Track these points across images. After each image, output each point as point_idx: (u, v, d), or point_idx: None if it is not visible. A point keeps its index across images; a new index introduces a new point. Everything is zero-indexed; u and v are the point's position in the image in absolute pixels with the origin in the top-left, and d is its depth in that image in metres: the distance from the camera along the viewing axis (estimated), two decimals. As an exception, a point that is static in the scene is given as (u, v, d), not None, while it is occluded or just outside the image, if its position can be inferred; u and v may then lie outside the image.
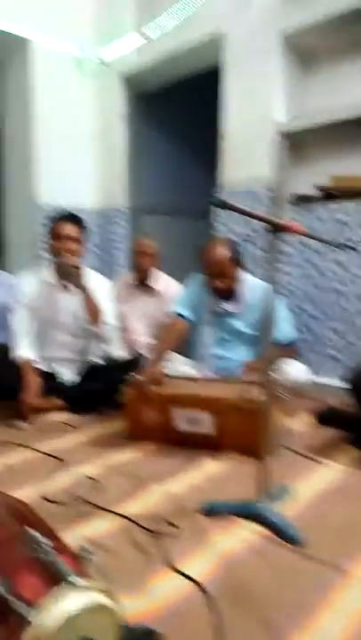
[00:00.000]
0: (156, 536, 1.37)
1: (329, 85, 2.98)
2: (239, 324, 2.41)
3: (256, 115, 2.99)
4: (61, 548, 0.90)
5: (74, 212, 2.62)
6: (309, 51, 2.98)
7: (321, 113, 2.79)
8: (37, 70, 3.63)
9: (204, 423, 1.97)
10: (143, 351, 2.89)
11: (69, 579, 0.78)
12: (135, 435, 2.12)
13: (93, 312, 2.52)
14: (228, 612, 1.08)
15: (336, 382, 2.77)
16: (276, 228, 1.34)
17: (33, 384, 2.43)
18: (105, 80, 3.89)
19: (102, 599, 0.80)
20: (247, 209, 1.31)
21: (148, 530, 1.40)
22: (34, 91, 3.64)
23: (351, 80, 2.87)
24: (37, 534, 0.84)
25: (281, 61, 2.91)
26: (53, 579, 0.79)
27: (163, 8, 3.41)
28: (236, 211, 1.30)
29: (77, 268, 2.44)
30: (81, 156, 3.97)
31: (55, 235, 2.51)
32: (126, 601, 1.08)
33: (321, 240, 1.72)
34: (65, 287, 2.52)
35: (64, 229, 2.49)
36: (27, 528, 0.86)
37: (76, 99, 3.88)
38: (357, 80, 2.84)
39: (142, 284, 3.07)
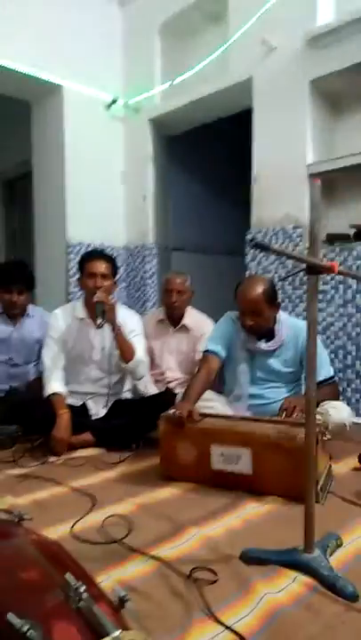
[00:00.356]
0: (194, 582, 1.28)
1: (358, 128, 3.00)
2: (275, 363, 2.35)
3: (286, 156, 3.03)
4: (98, 594, 0.83)
5: (103, 250, 2.65)
6: (337, 95, 3.04)
7: (350, 155, 2.81)
8: (68, 114, 3.77)
9: (243, 461, 1.88)
10: (174, 387, 2.83)
11: (109, 631, 0.71)
12: (169, 473, 2.04)
13: (124, 348, 2.51)
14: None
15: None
16: (315, 269, 1.30)
17: (64, 419, 2.40)
18: (134, 123, 4.03)
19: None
20: (288, 252, 1.29)
21: (186, 575, 1.31)
22: (65, 134, 3.78)
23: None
24: (74, 580, 0.78)
25: (309, 105, 2.97)
26: (92, 630, 0.73)
27: (190, 54, 3.54)
28: (277, 254, 1.27)
29: (109, 304, 2.44)
30: (111, 195, 4.07)
31: (87, 272, 2.54)
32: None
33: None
34: (96, 323, 2.51)
35: (95, 267, 2.52)
36: (67, 574, 0.80)
37: (105, 141, 4.01)
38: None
39: (173, 320, 3.04)
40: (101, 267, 2.52)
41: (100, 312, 2.43)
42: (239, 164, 3.42)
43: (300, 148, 2.97)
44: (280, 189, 3.06)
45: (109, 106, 3.96)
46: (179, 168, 4.22)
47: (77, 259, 2.71)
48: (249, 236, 3.19)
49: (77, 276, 2.67)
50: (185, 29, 3.70)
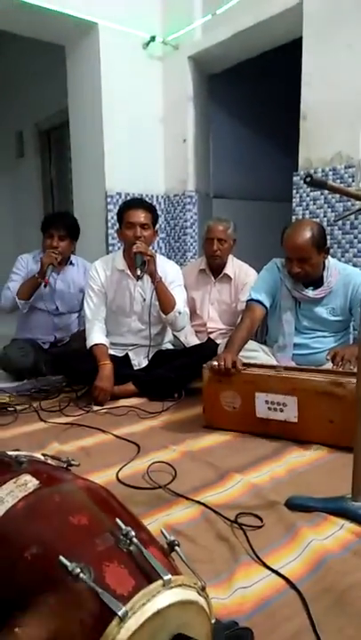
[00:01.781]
0: (239, 527, 1.29)
1: None
2: (322, 311, 2.26)
3: (340, 89, 2.79)
4: (148, 538, 0.83)
5: (142, 199, 2.57)
6: None
7: None
8: (105, 56, 3.59)
9: (288, 408, 1.85)
10: (215, 338, 2.81)
11: (161, 575, 0.71)
12: (212, 422, 2.04)
13: (165, 300, 2.48)
14: (325, 614, 0.99)
15: None
16: None
17: (106, 369, 2.42)
18: (172, 62, 3.81)
19: (193, 595, 0.74)
20: (346, 188, 1.19)
21: (230, 520, 1.32)
22: (101, 77, 3.61)
23: None
24: (124, 524, 0.78)
25: (368, 30, 2.69)
26: (143, 573, 0.73)
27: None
28: (334, 190, 1.18)
29: (149, 255, 2.39)
30: (149, 140, 3.92)
31: (126, 222, 2.47)
32: (214, 592, 1.01)
33: None
34: (136, 274, 2.47)
35: (134, 216, 2.45)
36: (116, 518, 0.80)
37: (143, 83, 3.82)
38: None
39: (214, 269, 2.97)
40: (141, 216, 2.46)
41: (139, 263, 2.39)
42: (286, 102, 3.19)
43: (356, 80, 2.71)
44: (331, 126, 2.85)
45: (147, 44, 3.75)
46: (220, 109, 4.01)
47: (116, 209, 2.64)
48: (297, 178, 3.03)
49: (117, 227, 2.61)
50: None
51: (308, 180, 1.07)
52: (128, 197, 3.72)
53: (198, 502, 1.42)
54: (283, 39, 3.23)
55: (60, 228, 2.80)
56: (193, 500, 1.43)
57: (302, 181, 1.14)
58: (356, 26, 2.69)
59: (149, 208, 2.53)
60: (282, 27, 3.10)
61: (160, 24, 3.80)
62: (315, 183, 1.08)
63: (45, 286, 2.76)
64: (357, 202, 1.26)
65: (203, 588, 0.75)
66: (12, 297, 2.77)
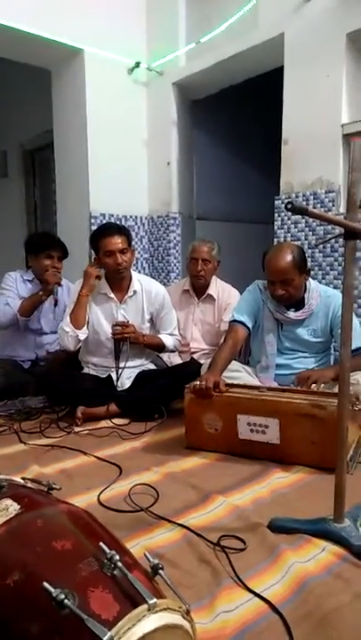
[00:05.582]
0: (222, 550, 1.28)
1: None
2: (303, 332, 2.30)
3: (319, 117, 2.88)
4: (132, 562, 0.83)
5: (114, 223, 2.60)
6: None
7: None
8: (90, 80, 3.66)
9: (270, 430, 1.86)
10: (199, 358, 2.82)
11: (145, 598, 0.71)
12: (195, 443, 2.04)
13: (155, 347, 2.66)
14: (305, 637, 0.98)
15: None
16: (354, 234, 1.24)
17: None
18: (157, 87, 3.89)
19: (179, 619, 0.74)
20: (326, 215, 1.24)
21: (213, 543, 1.31)
22: (87, 100, 3.67)
23: None
24: (108, 548, 0.78)
25: (345, 61, 2.79)
26: (128, 597, 0.73)
27: (216, 12, 3.37)
28: (315, 217, 1.22)
29: (130, 335, 2.52)
30: (133, 163, 3.98)
31: (103, 250, 2.47)
32: (195, 617, 1.00)
33: None
34: (117, 298, 2.54)
35: (112, 244, 2.45)
36: (100, 542, 0.80)
37: (128, 107, 3.90)
38: None
39: (198, 290, 3.00)
40: (118, 242, 2.46)
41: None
42: (268, 127, 3.27)
43: (335, 108, 2.82)
44: (312, 152, 2.93)
45: (132, 70, 3.83)
46: (204, 133, 4.10)
47: (92, 233, 2.63)
48: (278, 202, 3.10)
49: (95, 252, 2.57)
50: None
51: (290, 206, 1.10)
52: (112, 218, 3.75)
53: (180, 525, 1.41)
54: (265, 67, 3.33)
55: (58, 249, 2.87)
56: (175, 523, 1.42)
57: (284, 207, 1.17)
58: (335, 57, 2.80)
59: (123, 231, 2.53)
60: (264, 56, 3.20)
61: (145, 50, 3.88)
62: (296, 210, 1.11)
63: (56, 304, 2.91)
64: (338, 227, 1.29)
65: (187, 612, 0.75)
66: (12, 313, 2.76)
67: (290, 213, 3.06)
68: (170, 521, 1.44)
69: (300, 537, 1.34)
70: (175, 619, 0.71)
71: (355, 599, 1.11)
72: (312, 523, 1.37)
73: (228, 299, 2.93)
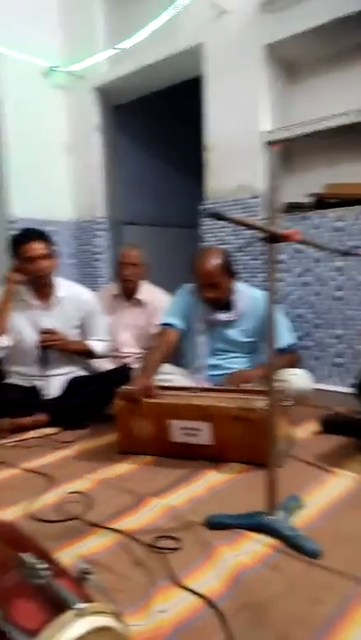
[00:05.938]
0: (158, 551, 1.26)
1: (314, 95, 2.98)
2: (233, 333, 2.34)
3: (240, 125, 2.96)
4: (58, 570, 0.80)
5: (34, 228, 2.52)
6: (293, 60, 2.97)
7: (306, 123, 2.77)
8: (6, 84, 3.55)
9: (202, 434, 1.87)
10: (131, 362, 2.79)
11: (70, 604, 0.68)
12: (127, 448, 2.01)
13: (80, 354, 2.59)
14: (242, 629, 0.99)
15: (340, 389, 2.70)
16: (275, 238, 1.28)
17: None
18: (77, 92, 3.84)
19: (109, 621, 0.71)
20: (246, 219, 1.26)
21: (148, 545, 1.29)
22: (3, 104, 3.56)
23: (335, 89, 2.86)
24: (31, 558, 0.74)
25: (263, 72, 2.88)
26: (53, 605, 0.70)
27: (135, 18, 3.39)
28: (234, 222, 1.24)
29: (57, 342, 2.45)
30: (56, 167, 3.90)
31: (24, 257, 2.39)
32: (131, 621, 0.97)
33: (324, 248, 1.67)
34: (41, 304, 2.48)
35: (32, 250, 2.38)
36: (23, 552, 0.76)
37: (48, 111, 3.82)
38: (341, 89, 2.84)
39: (128, 295, 2.98)
40: (39, 248, 2.39)
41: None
42: (193, 133, 3.32)
43: (255, 117, 2.91)
44: (235, 159, 3.00)
45: (49, 73, 3.76)
46: (128, 138, 4.09)
47: (12, 240, 2.51)
48: (203, 207, 3.14)
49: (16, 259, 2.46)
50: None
51: (208, 213, 1.11)
52: (33, 224, 3.64)
53: (114, 530, 1.37)
54: (186, 75, 3.37)
55: None
56: (109, 529, 1.38)
57: (203, 214, 1.18)
58: (253, 67, 2.89)
59: (44, 236, 2.46)
60: (184, 64, 3.25)
61: (61, 53, 3.82)
62: (215, 215, 1.13)
63: None
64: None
65: (118, 614, 0.72)
66: None
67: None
68: (103, 527, 1.40)
69: (235, 532, 1.35)
70: (105, 621, 0.68)
71: (288, 588, 1.12)
72: (246, 517, 1.38)
73: (158, 302, 2.92)
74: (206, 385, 2.27)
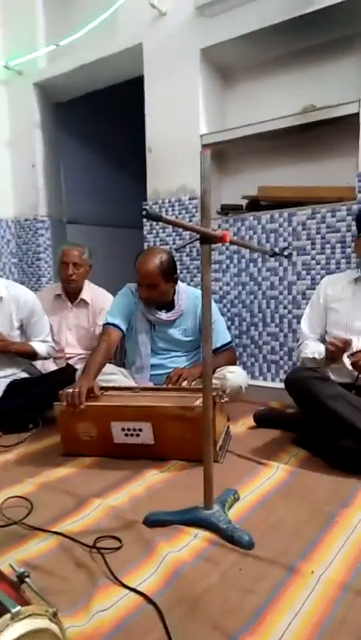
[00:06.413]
0: (98, 551, 1.29)
1: (248, 99, 3.07)
2: (175, 332, 2.39)
3: (180, 126, 3.01)
4: None
5: None
6: (228, 65, 3.05)
7: (241, 126, 2.86)
8: None
9: (144, 433, 1.91)
10: (75, 363, 2.78)
11: (9, 608, 0.70)
12: (70, 450, 2.02)
13: (23, 356, 2.55)
14: (180, 622, 1.04)
15: (274, 384, 2.82)
16: (207, 239, 1.33)
17: None
18: (17, 88, 3.78)
19: (45, 623, 0.74)
20: (180, 221, 1.31)
21: (87, 546, 1.31)
22: None
23: (269, 95, 2.96)
24: None
25: (200, 75, 2.94)
26: None
27: (76, 15, 3.36)
28: (169, 223, 1.28)
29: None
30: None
31: None
32: (71, 621, 1.00)
33: (253, 249, 1.74)
34: None
35: None
36: None
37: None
38: (275, 94, 2.94)
39: (71, 294, 2.96)
40: None
41: None
42: (136, 132, 3.33)
43: (194, 119, 2.97)
44: (175, 160, 3.05)
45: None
46: (70, 137, 4.05)
47: None
48: (146, 207, 3.16)
49: None
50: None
51: (145, 213, 1.15)
52: None
53: (55, 533, 1.39)
54: (128, 75, 3.39)
55: None
56: (49, 532, 1.40)
57: (141, 214, 1.21)
58: (191, 70, 2.95)
59: None
60: (124, 64, 3.26)
61: (1, 49, 3.73)
62: (150, 216, 1.17)
63: None
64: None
65: (54, 615, 0.75)
66: None
67: (158, 218, 3.16)
68: (44, 530, 1.41)
69: (173, 528, 1.40)
70: (41, 623, 0.71)
71: (222, 578, 1.18)
72: (184, 513, 1.43)
73: (102, 303, 2.92)
74: (148, 385, 2.31)
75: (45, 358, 2.69)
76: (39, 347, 2.57)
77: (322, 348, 2.05)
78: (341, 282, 2.16)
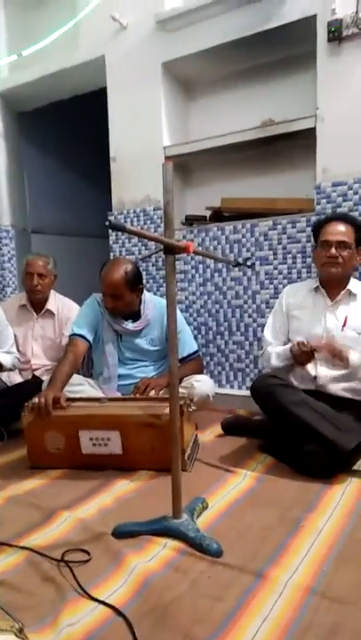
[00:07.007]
0: (66, 565, 1.28)
1: (210, 113, 3.13)
2: (141, 342, 2.39)
3: (143, 138, 3.04)
4: None
5: None
6: (189, 79, 3.11)
7: (203, 139, 2.91)
8: None
9: (112, 442, 1.90)
10: (41, 374, 2.75)
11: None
12: (38, 462, 1.99)
13: None
14: (150, 632, 1.04)
15: (240, 392, 2.85)
16: (171, 249, 1.36)
17: None
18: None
19: (9, 639, 0.72)
20: (144, 232, 1.33)
21: (55, 559, 1.30)
22: None
23: (230, 108, 3.03)
24: None
25: (162, 88, 2.98)
26: None
27: (38, 25, 3.36)
28: (132, 234, 1.30)
29: None
30: None
31: None
32: (38, 637, 0.99)
33: (217, 259, 1.77)
34: None
35: None
36: None
37: None
38: (236, 108, 3.01)
39: (36, 305, 2.93)
40: None
41: None
42: (101, 142, 3.34)
43: (157, 130, 3.00)
44: (139, 171, 3.08)
45: None
46: (34, 146, 4.02)
47: None
48: (111, 217, 3.17)
49: None
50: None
51: (108, 224, 1.16)
52: None
53: (22, 547, 1.37)
54: (91, 86, 3.40)
55: None
56: (16, 546, 1.38)
57: (105, 225, 1.22)
58: (152, 83, 2.98)
59: None
60: (87, 75, 3.27)
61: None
62: (114, 227, 1.18)
63: None
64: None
65: (21, 630, 0.74)
66: None
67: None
68: (10, 545, 1.39)
69: (143, 538, 1.40)
70: (7, 639, 0.70)
71: (191, 587, 1.19)
72: (153, 523, 1.43)
73: (68, 313, 2.90)
74: (116, 395, 2.31)
75: (10, 370, 2.64)
76: (3, 358, 2.53)
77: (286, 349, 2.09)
78: (302, 290, 2.22)
